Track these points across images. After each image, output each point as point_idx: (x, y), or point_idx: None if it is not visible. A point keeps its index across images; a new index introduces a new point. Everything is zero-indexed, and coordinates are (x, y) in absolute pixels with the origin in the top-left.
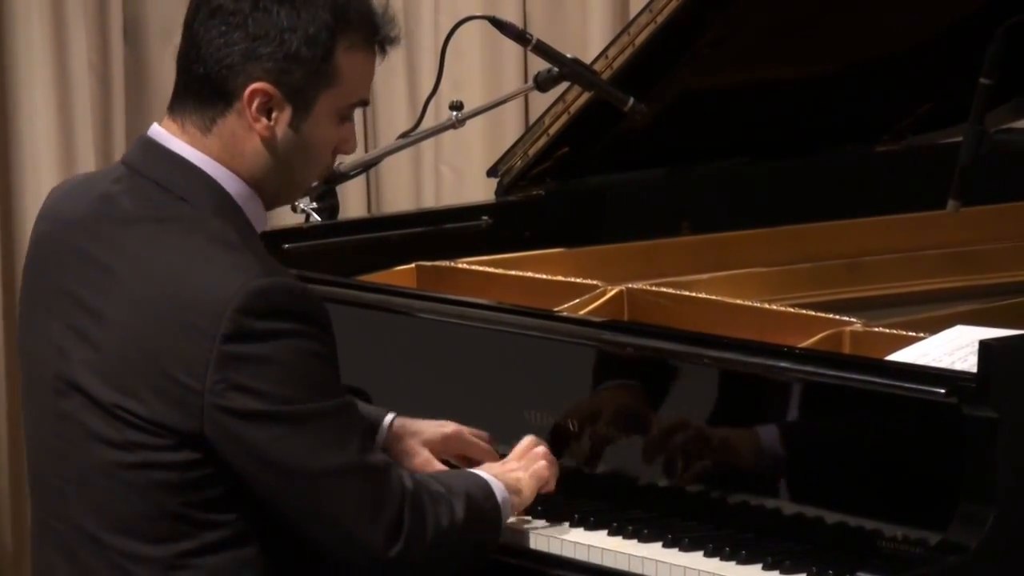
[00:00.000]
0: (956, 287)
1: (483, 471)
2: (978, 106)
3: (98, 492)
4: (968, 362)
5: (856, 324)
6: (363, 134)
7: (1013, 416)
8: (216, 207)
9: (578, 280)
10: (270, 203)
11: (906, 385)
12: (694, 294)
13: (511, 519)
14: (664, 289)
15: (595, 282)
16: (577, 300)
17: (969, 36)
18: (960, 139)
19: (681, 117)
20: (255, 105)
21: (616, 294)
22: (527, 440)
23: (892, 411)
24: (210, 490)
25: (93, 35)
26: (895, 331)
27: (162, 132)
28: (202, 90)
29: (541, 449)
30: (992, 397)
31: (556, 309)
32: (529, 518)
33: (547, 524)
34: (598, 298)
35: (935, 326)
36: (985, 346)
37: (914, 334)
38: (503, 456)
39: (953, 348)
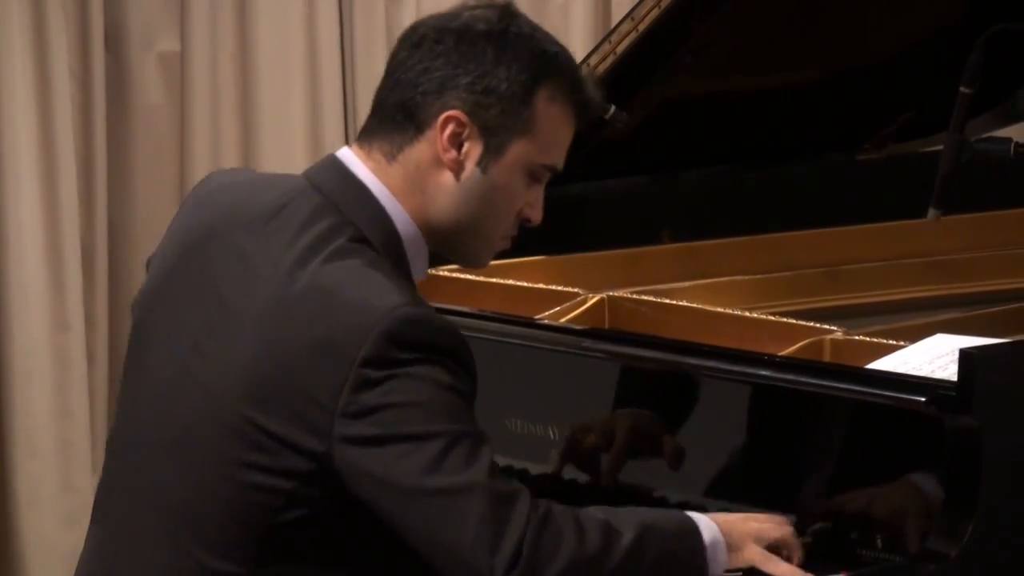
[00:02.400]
0: (936, 295)
1: (706, 515)
2: (959, 115)
3: (193, 493)
4: (948, 370)
5: (837, 332)
6: (344, 142)
7: (993, 424)
8: (382, 242)
9: (559, 288)
10: (450, 253)
11: (886, 393)
12: (675, 302)
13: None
14: (645, 297)
15: (576, 290)
16: (558, 308)
17: (950, 45)
18: (941, 148)
19: (662, 125)
20: (447, 133)
21: (597, 302)
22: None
23: (872, 419)
24: (305, 516)
25: (74, 41)
26: (875, 339)
27: (348, 154)
28: (395, 116)
29: (788, 528)
30: (972, 405)
31: (537, 317)
32: None
33: None
34: (579, 306)
35: (915, 334)
36: (965, 354)
37: (894, 342)
38: None
39: (933, 356)
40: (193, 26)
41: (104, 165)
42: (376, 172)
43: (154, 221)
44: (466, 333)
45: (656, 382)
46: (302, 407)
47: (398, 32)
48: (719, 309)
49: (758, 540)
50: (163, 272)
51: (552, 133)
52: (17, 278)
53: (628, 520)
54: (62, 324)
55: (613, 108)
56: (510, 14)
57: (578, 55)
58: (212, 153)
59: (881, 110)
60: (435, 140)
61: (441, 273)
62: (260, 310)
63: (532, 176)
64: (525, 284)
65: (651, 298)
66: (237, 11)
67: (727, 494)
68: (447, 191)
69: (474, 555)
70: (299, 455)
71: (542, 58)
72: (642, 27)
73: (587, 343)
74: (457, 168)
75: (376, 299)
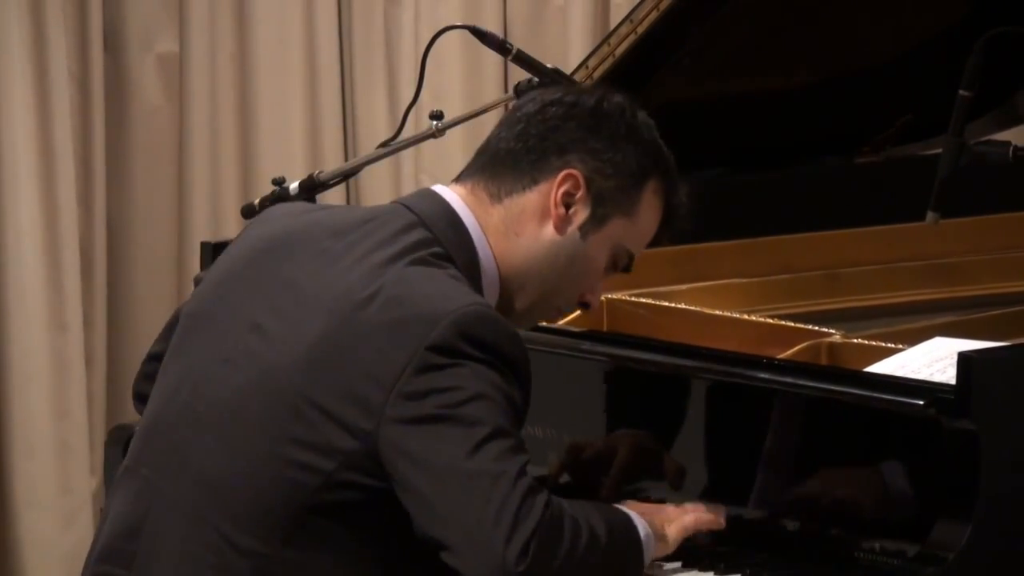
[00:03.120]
0: (935, 299)
1: (627, 508)
2: (957, 118)
3: (233, 468)
4: (947, 374)
5: (835, 335)
6: (343, 143)
7: (991, 428)
8: (464, 265)
9: None
10: (505, 305)
11: (885, 397)
12: (674, 305)
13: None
14: (644, 300)
15: None
16: None
17: (949, 48)
18: (939, 151)
19: (661, 128)
20: (563, 190)
21: None
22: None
23: (871, 422)
24: (338, 502)
25: (73, 43)
26: (874, 343)
27: (444, 188)
28: (511, 163)
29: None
30: (970, 409)
31: None
32: None
33: None
34: None
35: (914, 338)
36: (964, 358)
37: (893, 346)
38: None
39: (932, 360)
40: (192, 27)
41: (103, 166)
42: (473, 207)
43: (153, 222)
44: None
45: (654, 385)
46: (360, 385)
47: (397, 32)
48: (718, 312)
49: (681, 530)
50: (225, 273)
51: (647, 224)
52: (15, 279)
53: (598, 517)
54: (60, 325)
55: None
56: (635, 103)
57: (577, 57)
58: (211, 154)
59: (880, 113)
60: (548, 193)
61: None
62: (337, 294)
63: (614, 259)
64: None
65: (650, 301)
66: (236, 13)
67: (724, 497)
68: (541, 243)
69: (491, 538)
70: (346, 432)
71: (660, 153)
72: (641, 29)
73: (586, 345)
74: (561, 224)
75: (454, 295)
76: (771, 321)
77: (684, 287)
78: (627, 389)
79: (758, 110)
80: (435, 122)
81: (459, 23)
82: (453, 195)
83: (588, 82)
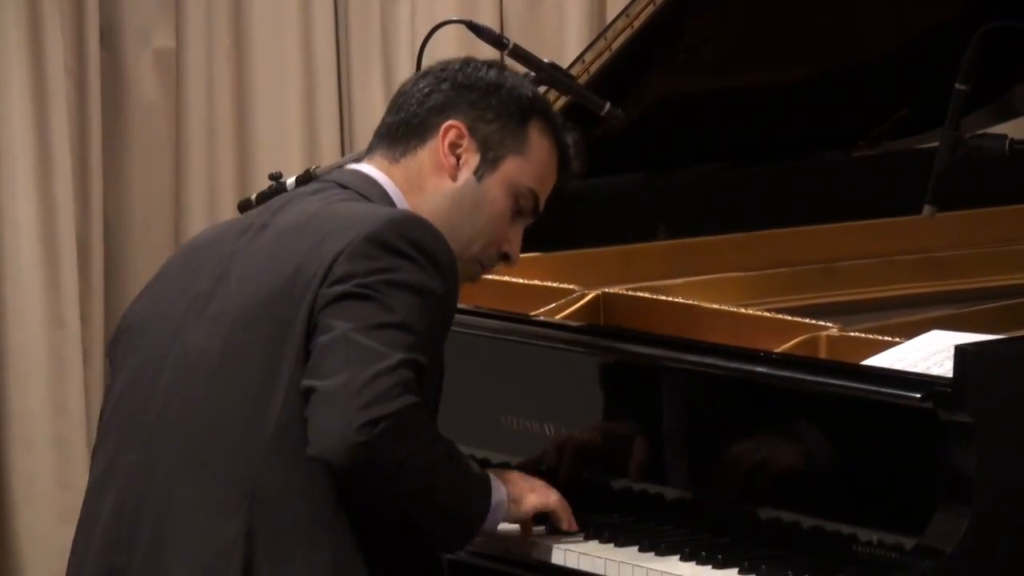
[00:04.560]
0: (932, 292)
1: (491, 472)
2: (954, 111)
3: (215, 406)
4: (944, 367)
5: (832, 328)
6: (339, 138)
7: (988, 421)
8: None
9: (555, 284)
10: None
11: (882, 390)
12: (671, 298)
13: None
14: (641, 294)
15: (572, 286)
16: (554, 304)
17: (945, 41)
18: (936, 144)
19: (658, 122)
20: (448, 140)
21: (593, 298)
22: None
23: (868, 415)
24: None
25: (69, 39)
26: (871, 336)
27: (352, 165)
28: (398, 131)
29: (554, 495)
30: (967, 402)
31: (532, 313)
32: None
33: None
34: (575, 302)
35: (911, 331)
36: (961, 351)
37: (890, 339)
38: None
39: (929, 353)
40: (188, 23)
41: (100, 162)
42: (379, 168)
43: (150, 218)
44: (462, 330)
45: (652, 378)
46: (307, 280)
47: (393, 27)
48: (715, 305)
49: (540, 498)
50: (161, 283)
51: (541, 161)
52: (13, 275)
53: (461, 457)
54: (58, 321)
55: (608, 105)
56: (502, 65)
57: (573, 52)
58: (207, 150)
59: (876, 106)
60: (436, 148)
61: None
62: (273, 237)
63: (517, 201)
64: (521, 281)
65: (647, 295)
66: (232, 8)
67: (721, 490)
68: (443, 193)
69: (348, 402)
70: (299, 332)
71: (534, 95)
72: (637, 24)
73: (583, 339)
74: (455, 172)
75: (390, 209)
76: (768, 315)
77: (681, 281)
78: (624, 383)
79: (754, 104)
80: None
81: (455, 18)
82: (362, 163)
83: (584, 77)
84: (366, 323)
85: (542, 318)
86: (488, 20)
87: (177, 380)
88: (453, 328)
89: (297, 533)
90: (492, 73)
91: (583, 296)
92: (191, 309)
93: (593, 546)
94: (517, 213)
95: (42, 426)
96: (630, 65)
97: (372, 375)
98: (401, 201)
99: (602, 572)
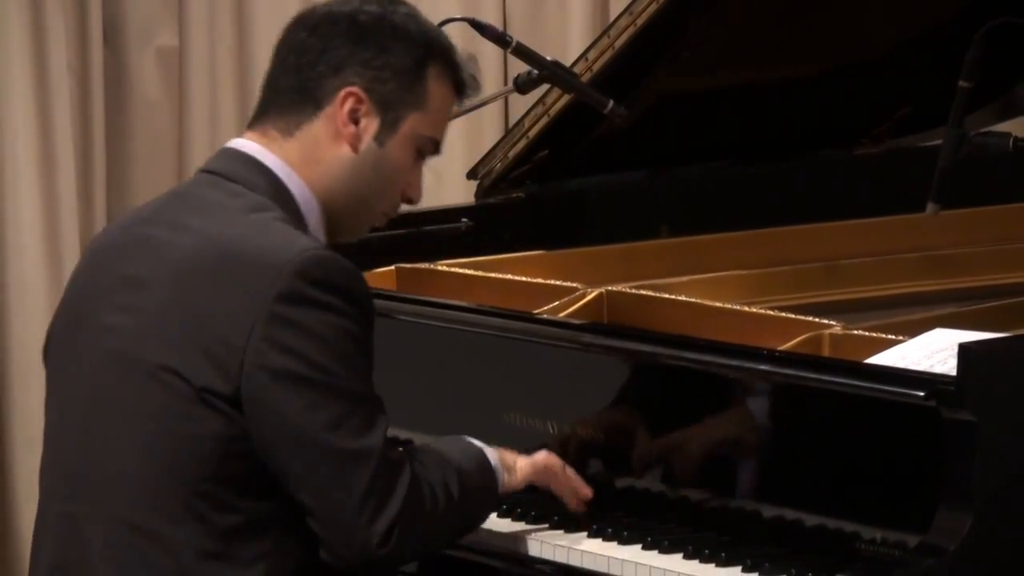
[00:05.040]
0: (935, 290)
1: (479, 443)
2: (957, 109)
3: (132, 465)
4: (947, 365)
5: (835, 327)
6: None
7: (991, 419)
8: (279, 205)
9: (558, 282)
10: (332, 225)
11: (885, 388)
12: (674, 296)
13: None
14: (644, 292)
15: (575, 284)
16: (557, 302)
17: (949, 39)
18: (939, 142)
19: (661, 120)
20: (347, 108)
21: (596, 296)
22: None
23: (871, 414)
24: (236, 468)
25: (72, 37)
26: (874, 334)
27: (240, 140)
28: (291, 96)
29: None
30: (971, 400)
31: (536, 311)
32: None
33: (525, 526)
34: (578, 300)
35: (914, 329)
36: (964, 349)
37: (893, 337)
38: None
39: (932, 351)
40: (191, 21)
41: (103, 160)
42: (269, 147)
43: None
44: (465, 327)
45: (655, 376)
46: (214, 345)
47: None
48: (718, 304)
49: (533, 469)
50: (69, 300)
51: (440, 108)
52: (16, 273)
53: (452, 470)
54: None
55: (611, 103)
56: (395, 1)
57: (576, 49)
58: (210, 148)
59: (880, 104)
60: (334, 116)
61: (440, 268)
62: (170, 269)
63: (419, 151)
64: (524, 279)
65: (650, 293)
66: (235, 6)
67: (724, 487)
68: (344, 163)
69: (355, 522)
70: (212, 395)
71: (428, 37)
72: (640, 22)
73: (586, 338)
74: (355, 142)
75: (288, 243)
76: (771, 312)
77: (684, 279)
78: (627, 381)
79: (757, 102)
80: None
81: (458, 16)
82: (248, 143)
83: (587, 75)
84: (325, 420)
85: (545, 316)
86: (491, 18)
87: (91, 425)
88: (457, 326)
89: None
90: (386, 23)
91: (586, 294)
92: (96, 350)
93: (596, 544)
94: (418, 158)
95: None
96: (633, 63)
97: (365, 485)
98: (294, 180)
99: (605, 570)
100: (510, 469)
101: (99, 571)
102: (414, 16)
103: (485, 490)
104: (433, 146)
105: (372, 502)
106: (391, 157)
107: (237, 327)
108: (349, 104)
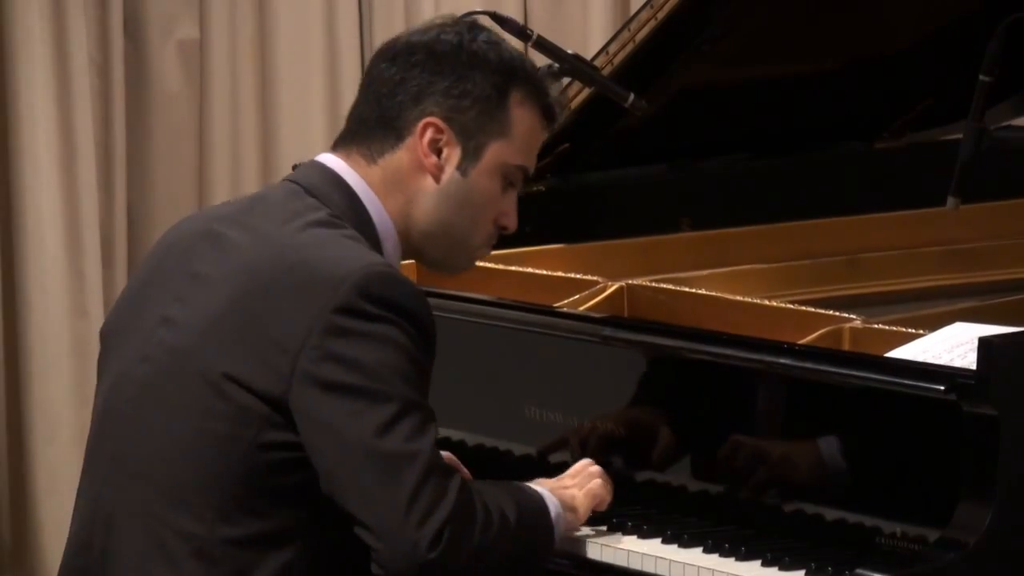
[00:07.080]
0: (956, 284)
1: (539, 486)
2: (978, 103)
3: (165, 453)
4: (968, 359)
5: (856, 321)
6: None
7: (1012, 413)
8: (355, 225)
9: (578, 276)
10: (424, 258)
11: (906, 382)
12: (694, 290)
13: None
14: (664, 285)
15: (595, 278)
16: (577, 296)
17: (969, 33)
18: (960, 136)
19: (682, 113)
20: (427, 139)
21: (616, 290)
22: (582, 461)
23: (891, 408)
24: (272, 476)
25: (93, 29)
26: (895, 328)
27: (327, 156)
28: (374, 126)
29: (596, 468)
30: (991, 394)
31: (556, 305)
32: None
33: None
34: (598, 294)
35: (935, 323)
36: (985, 343)
37: (914, 331)
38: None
39: (953, 345)
40: (212, 14)
41: (123, 153)
42: (355, 168)
43: (173, 208)
44: (485, 321)
45: (675, 370)
46: (269, 351)
47: (418, 18)
48: (738, 297)
49: (590, 498)
50: (133, 288)
51: (526, 135)
52: (36, 265)
53: (508, 499)
54: (81, 311)
55: (632, 96)
56: (476, 27)
57: (596, 44)
58: (231, 141)
59: (900, 98)
60: (415, 147)
61: None
62: (234, 269)
63: (507, 179)
64: (544, 272)
65: (670, 286)
66: None
67: (747, 482)
68: (428, 195)
69: (404, 524)
70: (260, 400)
71: (510, 64)
72: (661, 15)
73: (606, 331)
74: (437, 172)
75: (354, 256)
76: (792, 307)
77: (705, 272)
78: (648, 375)
79: (778, 95)
80: None
81: (479, 9)
82: (335, 159)
83: (608, 69)
84: (374, 424)
85: (566, 310)
86: (512, 11)
87: (137, 412)
88: (479, 320)
89: None
90: (464, 51)
91: (606, 288)
92: (152, 337)
93: (616, 538)
94: (508, 186)
95: (64, 417)
96: (654, 56)
97: (413, 487)
98: (374, 204)
99: (624, 564)
100: (572, 508)
101: (121, 557)
102: (495, 43)
103: (544, 528)
104: (522, 174)
105: (421, 503)
106: (476, 187)
107: (292, 334)
108: (429, 134)
